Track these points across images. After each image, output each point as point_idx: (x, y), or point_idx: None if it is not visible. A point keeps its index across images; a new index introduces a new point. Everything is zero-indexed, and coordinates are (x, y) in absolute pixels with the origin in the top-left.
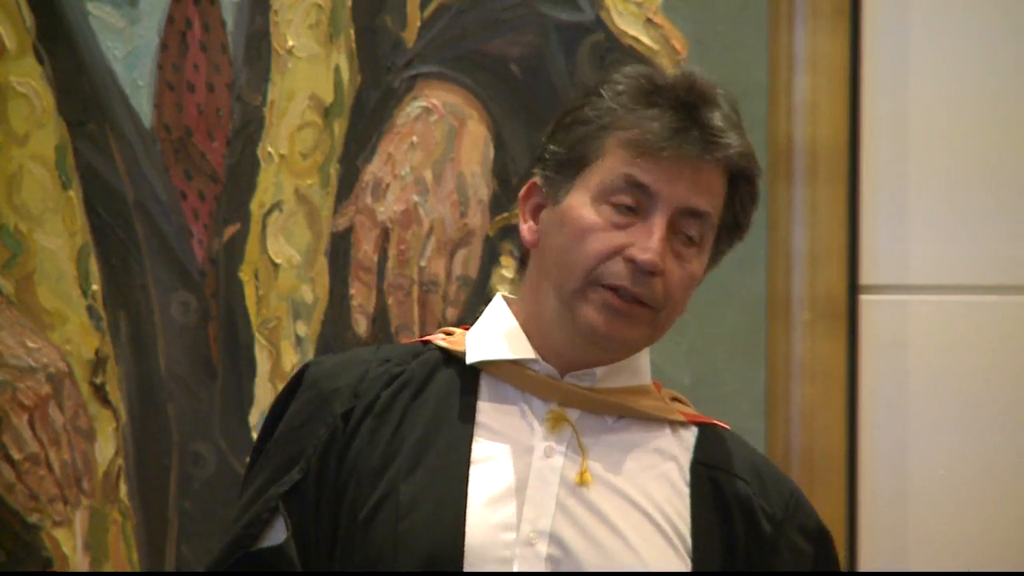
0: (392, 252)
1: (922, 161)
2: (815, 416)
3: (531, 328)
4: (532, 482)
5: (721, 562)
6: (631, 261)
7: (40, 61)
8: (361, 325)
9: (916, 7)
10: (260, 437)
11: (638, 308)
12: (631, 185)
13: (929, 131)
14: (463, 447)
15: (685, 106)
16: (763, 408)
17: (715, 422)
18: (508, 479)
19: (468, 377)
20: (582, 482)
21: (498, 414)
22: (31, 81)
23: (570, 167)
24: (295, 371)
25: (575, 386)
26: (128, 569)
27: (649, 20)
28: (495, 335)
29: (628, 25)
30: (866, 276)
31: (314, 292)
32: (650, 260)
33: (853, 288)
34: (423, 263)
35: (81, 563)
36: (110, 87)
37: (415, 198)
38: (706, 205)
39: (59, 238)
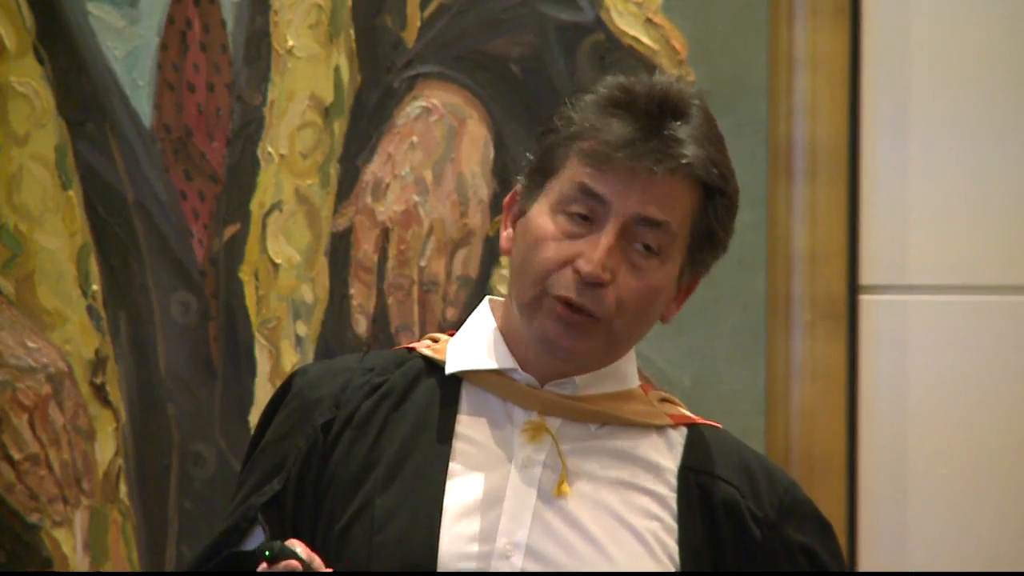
0: (392, 252)
1: (922, 161)
2: (815, 416)
3: (509, 335)
4: (509, 494)
5: (709, 570)
6: (577, 272)
7: (40, 61)
8: (361, 325)
9: (916, 7)
10: (251, 444)
11: (585, 319)
12: (584, 194)
13: (929, 131)
14: (441, 460)
15: (648, 115)
16: (763, 408)
17: (706, 422)
18: (485, 491)
19: (449, 386)
20: (560, 493)
21: (478, 424)
22: (31, 81)
23: (538, 177)
24: (287, 377)
25: (556, 394)
26: (128, 569)
27: (649, 20)
28: (476, 343)
29: (628, 25)
30: (866, 276)
31: (314, 292)
32: (591, 272)
33: (853, 288)
34: (423, 263)
35: (81, 563)
36: (110, 87)
37: (415, 198)
38: (661, 215)
39: (59, 238)
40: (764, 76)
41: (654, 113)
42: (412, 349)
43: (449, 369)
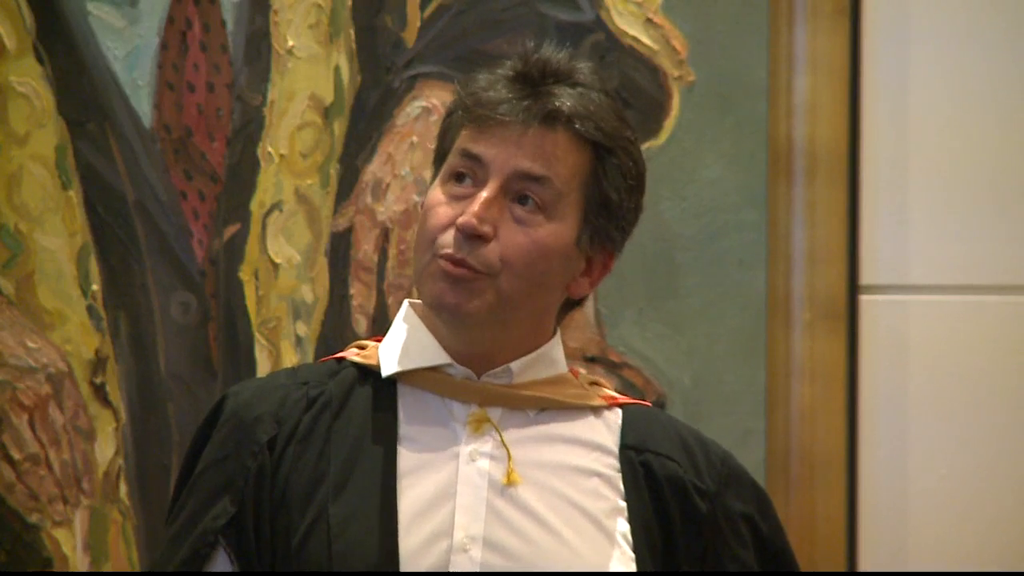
0: (392, 252)
1: (922, 161)
2: (815, 416)
3: (438, 331)
4: (460, 488)
5: (661, 547)
6: (459, 228)
7: (40, 61)
8: (361, 325)
9: (916, 7)
10: (183, 470)
11: (467, 273)
12: (465, 157)
13: (929, 131)
14: (389, 462)
15: (526, 79)
16: (763, 408)
17: (638, 401)
18: (437, 488)
19: (386, 390)
20: (510, 482)
21: (420, 423)
22: (31, 81)
23: (439, 161)
24: (215, 402)
25: (493, 384)
26: (128, 569)
27: (649, 20)
28: (407, 344)
29: (628, 25)
30: (866, 276)
31: (314, 292)
32: (464, 222)
33: (853, 288)
34: None
35: (81, 563)
36: (110, 87)
37: (415, 198)
38: (540, 169)
39: (59, 238)
40: (764, 76)
41: (534, 77)
42: (341, 359)
43: (385, 372)
